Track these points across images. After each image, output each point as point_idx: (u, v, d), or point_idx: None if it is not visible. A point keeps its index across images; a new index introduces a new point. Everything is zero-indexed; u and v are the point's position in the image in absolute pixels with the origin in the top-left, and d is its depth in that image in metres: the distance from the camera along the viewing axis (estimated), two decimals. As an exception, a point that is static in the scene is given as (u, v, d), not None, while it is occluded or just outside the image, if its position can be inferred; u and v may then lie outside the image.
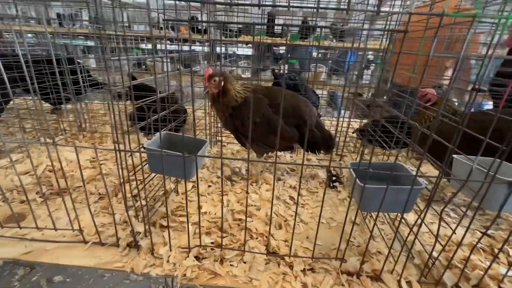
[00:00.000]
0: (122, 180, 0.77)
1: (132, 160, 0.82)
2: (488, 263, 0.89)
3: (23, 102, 1.79)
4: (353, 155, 1.70)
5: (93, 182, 1.24)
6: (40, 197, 1.11)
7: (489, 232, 1.06)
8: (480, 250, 0.97)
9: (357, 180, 0.76)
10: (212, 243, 0.91)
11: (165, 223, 0.98)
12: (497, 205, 0.70)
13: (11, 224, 0.93)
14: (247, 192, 0.83)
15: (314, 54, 3.32)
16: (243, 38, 3.94)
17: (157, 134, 0.97)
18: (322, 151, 1.33)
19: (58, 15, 3.99)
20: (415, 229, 1.05)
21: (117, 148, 0.73)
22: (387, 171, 0.71)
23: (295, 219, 0.82)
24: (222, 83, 1.17)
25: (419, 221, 0.78)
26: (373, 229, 0.84)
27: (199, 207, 0.93)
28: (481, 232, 1.07)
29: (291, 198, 1.22)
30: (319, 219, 0.81)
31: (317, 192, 1.30)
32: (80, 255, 0.87)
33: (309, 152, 1.37)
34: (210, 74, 1.16)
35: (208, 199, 1.16)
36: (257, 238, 0.95)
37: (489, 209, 0.76)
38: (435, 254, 0.94)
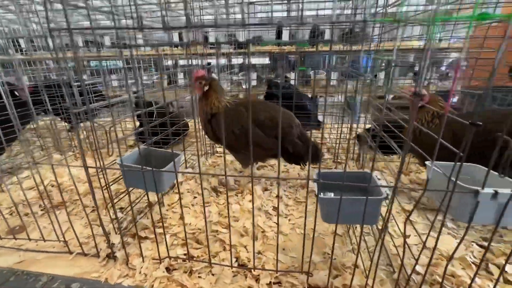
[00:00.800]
0: (93, 195, 0.83)
1: (104, 176, 0.88)
2: (480, 281, 0.82)
3: (42, 122, 2.00)
4: (352, 163, 1.64)
5: (89, 195, 1.33)
6: (41, 210, 1.22)
7: (485, 244, 0.96)
8: (472, 265, 0.88)
9: (316, 191, 0.74)
10: (185, 254, 0.93)
11: (144, 235, 1.02)
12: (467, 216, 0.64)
13: (10, 236, 1.04)
14: (227, 203, 0.84)
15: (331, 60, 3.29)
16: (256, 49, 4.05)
17: (135, 149, 1.03)
18: (307, 162, 1.31)
19: (86, 42, 4.42)
20: (398, 241, 1.00)
21: (86, 165, 0.79)
22: (348, 181, 0.68)
23: (278, 233, 0.82)
24: (206, 88, 1.24)
25: (406, 232, 0.73)
26: (360, 242, 0.81)
27: (183, 217, 0.96)
28: (479, 245, 0.97)
29: (275, 208, 1.21)
30: (277, 233, 0.79)
31: (304, 202, 1.27)
32: (65, 264, 0.93)
33: (293, 164, 1.35)
34: (198, 76, 1.23)
35: (191, 211, 1.19)
36: (229, 250, 0.95)
37: (460, 220, 0.69)
38: (419, 268, 0.88)
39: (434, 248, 0.66)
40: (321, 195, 0.73)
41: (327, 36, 3.53)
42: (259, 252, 0.95)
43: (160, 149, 1.07)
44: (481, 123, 0.51)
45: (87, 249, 0.97)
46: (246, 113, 1.24)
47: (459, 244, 0.63)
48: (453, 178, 0.59)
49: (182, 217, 0.96)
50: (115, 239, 0.95)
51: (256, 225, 1.09)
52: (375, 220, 0.72)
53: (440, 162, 0.84)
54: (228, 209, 0.80)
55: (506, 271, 0.83)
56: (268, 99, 1.83)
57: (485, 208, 0.63)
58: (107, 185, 0.91)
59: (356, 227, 1.08)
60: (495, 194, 0.60)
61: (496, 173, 0.72)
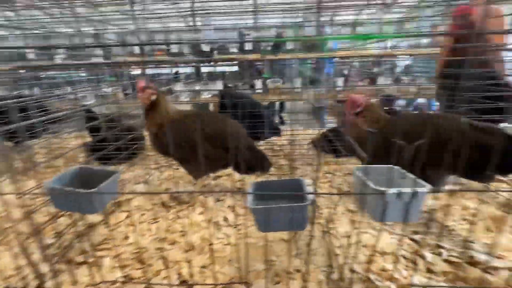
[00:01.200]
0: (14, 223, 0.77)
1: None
2: (405, 273, 0.88)
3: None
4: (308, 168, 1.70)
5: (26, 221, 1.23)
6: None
7: (416, 237, 1.04)
8: (401, 257, 0.95)
9: (249, 200, 0.76)
10: (125, 276, 0.89)
11: (83, 259, 0.97)
12: (381, 215, 0.70)
13: None
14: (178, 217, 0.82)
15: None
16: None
17: (68, 169, 0.98)
18: (258, 172, 1.33)
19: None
20: (339, 242, 1.05)
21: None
22: (282, 189, 0.71)
23: (240, 244, 0.81)
24: (153, 98, 1.22)
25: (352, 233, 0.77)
26: (311, 245, 0.83)
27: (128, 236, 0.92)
28: (410, 240, 1.06)
29: (225, 219, 1.21)
30: (211, 245, 0.80)
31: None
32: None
33: (244, 174, 1.36)
34: (142, 86, 1.21)
35: (137, 229, 1.14)
36: (172, 267, 0.93)
37: (376, 220, 0.75)
38: (356, 267, 0.93)
39: (357, 243, 0.71)
40: (251, 205, 0.75)
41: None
42: (203, 266, 0.94)
43: (99, 167, 1.02)
44: (374, 131, 0.57)
45: (15, 282, 0.89)
46: (194, 126, 1.25)
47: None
48: (371, 181, 0.64)
49: (126, 237, 0.92)
50: (45, 268, 0.89)
51: (204, 238, 1.08)
52: (303, 226, 0.76)
53: (373, 165, 0.91)
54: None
55: (428, 261, 0.91)
56: (223, 109, 1.84)
57: (394, 207, 0.69)
58: (33, 210, 0.85)
59: (302, 232, 1.12)
60: (400, 194, 0.66)
61: (412, 176, 0.80)
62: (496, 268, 0.85)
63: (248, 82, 4.26)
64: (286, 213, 0.73)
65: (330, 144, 1.70)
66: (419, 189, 0.65)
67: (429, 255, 0.93)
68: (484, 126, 0.89)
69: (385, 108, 1.42)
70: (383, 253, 0.99)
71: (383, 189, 0.66)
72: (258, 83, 3.87)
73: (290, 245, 1.06)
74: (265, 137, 2.00)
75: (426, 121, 1.03)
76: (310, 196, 0.75)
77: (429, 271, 0.89)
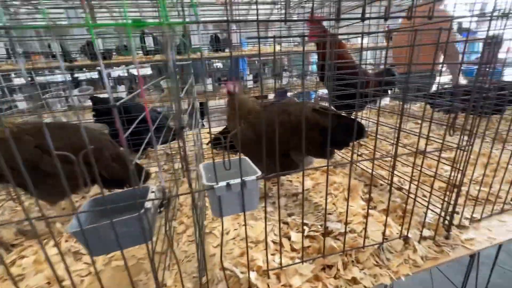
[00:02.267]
0: None
1: None
2: (271, 257, 0.91)
3: None
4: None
5: None
6: None
7: (289, 220, 1.10)
8: (271, 243, 0.98)
9: (72, 223, 0.63)
10: None
11: None
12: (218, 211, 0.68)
13: None
14: None
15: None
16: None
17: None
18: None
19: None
20: (218, 240, 1.02)
21: None
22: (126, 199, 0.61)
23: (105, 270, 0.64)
24: None
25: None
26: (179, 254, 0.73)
27: None
28: (284, 223, 1.11)
29: (91, 244, 1.03)
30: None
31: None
32: None
33: (115, 189, 1.21)
34: None
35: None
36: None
37: (217, 216, 0.74)
38: (227, 264, 0.91)
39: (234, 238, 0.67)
40: (71, 228, 0.62)
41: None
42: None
43: None
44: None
45: None
46: (34, 141, 1.02)
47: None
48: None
49: None
50: None
51: (49, 277, 0.89)
52: (144, 239, 0.67)
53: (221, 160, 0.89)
54: None
55: (293, 240, 0.97)
56: (99, 116, 1.61)
57: (230, 200, 0.68)
58: None
59: (178, 243, 1.05)
60: (229, 185, 0.65)
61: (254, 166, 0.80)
62: (343, 234, 0.96)
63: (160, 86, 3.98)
64: (120, 228, 0.64)
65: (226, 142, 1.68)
66: (247, 178, 0.65)
67: (294, 235, 0.99)
68: (321, 109, 0.99)
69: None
70: (257, 243, 1.00)
71: (212, 184, 0.64)
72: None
73: (163, 258, 0.98)
74: (163, 142, 1.86)
75: (283, 110, 1.10)
76: (149, 204, 0.68)
77: (293, 249, 0.94)
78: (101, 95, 1.74)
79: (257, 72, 4.89)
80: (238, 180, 0.65)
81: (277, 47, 3.53)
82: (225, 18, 0.54)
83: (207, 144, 1.96)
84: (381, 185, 1.32)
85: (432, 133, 0.84)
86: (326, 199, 0.85)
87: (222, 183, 0.64)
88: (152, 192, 0.74)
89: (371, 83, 1.79)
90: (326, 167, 0.78)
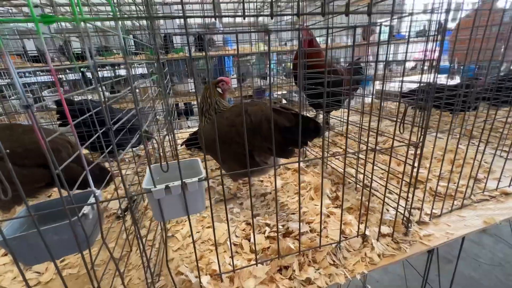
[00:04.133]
0: None
1: None
2: (229, 260, 0.89)
3: None
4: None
5: None
6: None
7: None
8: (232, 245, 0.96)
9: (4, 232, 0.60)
10: None
11: None
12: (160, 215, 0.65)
13: None
14: None
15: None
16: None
17: None
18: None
19: None
20: (179, 244, 0.99)
21: None
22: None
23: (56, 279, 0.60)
24: None
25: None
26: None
27: None
28: (247, 224, 1.10)
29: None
30: None
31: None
32: None
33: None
34: None
35: None
36: None
37: (158, 220, 0.72)
38: (183, 268, 0.89)
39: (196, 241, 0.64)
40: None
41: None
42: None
43: None
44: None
45: None
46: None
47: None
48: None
49: None
50: None
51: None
52: (76, 248, 0.63)
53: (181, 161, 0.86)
54: None
55: (252, 242, 0.95)
56: (62, 118, 1.56)
57: (171, 203, 0.66)
58: None
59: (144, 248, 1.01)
60: (168, 188, 0.63)
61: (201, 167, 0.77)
62: (302, 234, 0.95)
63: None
64: (52, 237, 0.61)
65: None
66: (188, 181, 0.63)
67: (257, 236, 0.97)
68: (281, 108, 0.98)
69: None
70: (219, 245, 0.98)
71: (149, 187, 0.62)
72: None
73: (121, 263, 0.95)
74: (133, 146, 1.81)
75: (245, 110, 1.08)
76: (86, 210, 0.65)
77: (252, 251, 0.93)
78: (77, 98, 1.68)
79: (243, 72, 4.87)
80: (178, 183, 0.63)
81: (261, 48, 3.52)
82: (180, 14, 0.51)
83: (181, 145, 1.93)
84: (349, 183, 1.32)
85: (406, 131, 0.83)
86: (299, 199, 0.83)
87: (161, 186, 0.62)
88: (94, 197, 0.71)
89: (344, 81, 1.80)
90: (297, 163, 0.75)
